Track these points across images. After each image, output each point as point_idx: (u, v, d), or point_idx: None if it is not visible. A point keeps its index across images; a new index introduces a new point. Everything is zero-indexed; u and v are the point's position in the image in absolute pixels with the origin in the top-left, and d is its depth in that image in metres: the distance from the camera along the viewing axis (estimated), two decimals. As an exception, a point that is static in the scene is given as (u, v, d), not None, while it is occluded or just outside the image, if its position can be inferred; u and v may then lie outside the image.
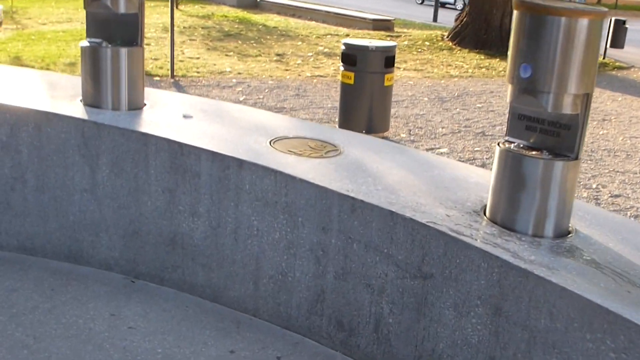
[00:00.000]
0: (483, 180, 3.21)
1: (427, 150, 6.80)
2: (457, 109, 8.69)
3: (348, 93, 7.03)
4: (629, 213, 5.37)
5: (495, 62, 13.15)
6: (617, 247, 2.63)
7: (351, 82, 6.97)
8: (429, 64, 12.30)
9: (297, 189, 2.96)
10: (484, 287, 2.49)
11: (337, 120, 7.27)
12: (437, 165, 3.40)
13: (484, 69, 12.21)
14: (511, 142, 2.80)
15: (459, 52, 14.11)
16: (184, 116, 3.63)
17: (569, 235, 2.69)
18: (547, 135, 2.73)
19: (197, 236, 3.24)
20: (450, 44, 14.89)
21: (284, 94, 8.80)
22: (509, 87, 2.70)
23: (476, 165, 6.32)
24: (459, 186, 3.09)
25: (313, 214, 2.93)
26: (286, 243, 3.04)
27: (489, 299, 2.48)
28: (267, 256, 3.10)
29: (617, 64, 14.34)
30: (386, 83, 7.03)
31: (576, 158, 2.67)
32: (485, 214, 2.79)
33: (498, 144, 2.80)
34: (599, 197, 5.74)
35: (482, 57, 13.62)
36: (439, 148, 6.89)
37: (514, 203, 2.68)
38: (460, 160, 6.50)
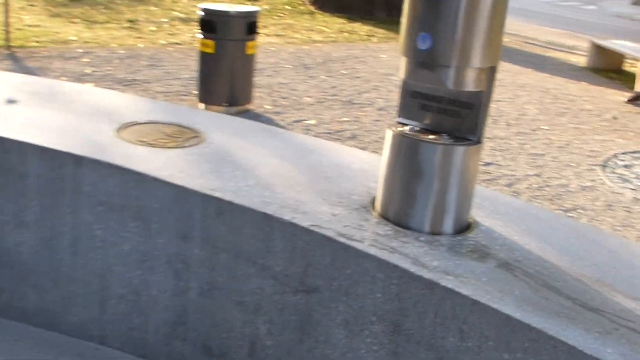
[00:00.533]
0: (368, 166, 2.81)
1: (294, 122, 6.38)
2: (322, 77, 8.32)
3: (207, 63, 6.45)
4: (501, 182, 5.20)
5: (357, 26, 12.91)
6: (522, 240, 2.32)
7: (211, 50, 6.39)
8: (290, 29, 11.85)
9: (149, 190, 2.44)
10: (380, 301, 2.10)
11: (196, 92, 6.68)
12: (314, 149, 2.97)
13: (346, 34, 11.91)
14: (404, 125, 2.40)
15: (320, 16, 13.74)
16: (8, 101, 2.98)
17: (471, 230, 2.35)
18: (445, 115, 2.35)
19: (25, 251, 2.64)
20: (312, 8, 14.50)
21: (137, 64, 8.07)
22: (403, 61, 2.28)
23: (346, 138, 5.97)
24: (342, 175, 2.67)
25: (170, 220, 2.42)
26: (139, 255, 2.51)
27: (387, 314, 2.09)
28: (116, 272, 2.56)
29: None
30: (248, 51, 6.51)
31: (478, 141, 2.30)
32: (374, 208, 2.39)
33: (389, 128, 2.39)
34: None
35: (344, 21, 13.33)
36: (306, 120, 6.48)
37: (408, 196, 2.30)
38: (329, 133, 6.13)
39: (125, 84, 7.04)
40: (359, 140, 5.99)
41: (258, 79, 7.75)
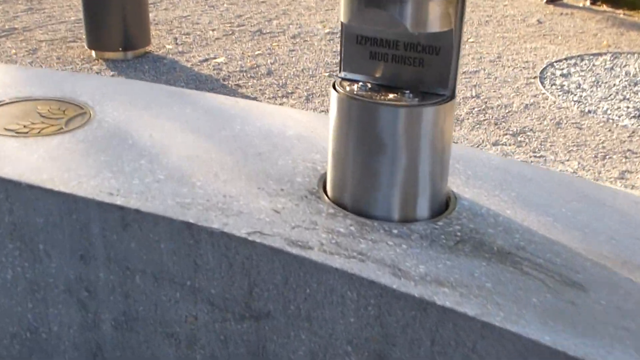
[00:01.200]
0: (305, 129, 2.27)
1: (202, 62, 5.70)
2: (225, 5, 7.58)
3: (92, 5, 5.64)
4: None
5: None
6: (517, 213, 1.86)
7: (94, -13, 5.59)
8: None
9: (26, 200, 1.84)
10: (355, 327, 1.60)
11: (84, 38, 5.88)
12: (235, 113, 2.39)
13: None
14: (351, 82, 1.85)
15: None
16: None
17: (451, 208, 1.86)
18: (405, 65, 1.82)
19: None
20: None
21: (13, 9, 7.12)
22: None
23: (262, 75, 5.36)
24: (276, 147, 2.12)
25: (61, 238, 1.84)
26: (26, 284, 1.93)
27: (366, 343, 1.60)
28: (2, 306, 1.97)
29: None
30: (138, -15, 5.74)
31: (452, 96, 1.79)
32: (326, 192, 1.87)
33: (333, 86, 1.85)
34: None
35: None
36: (214, 58, 5.82)
37: (369, 176, 1.79)
38: (242, 71, 5.51)
39: (1, 35, 6.15)
40: (276, 77, 5.40)
41: (154, 15, 6.97)
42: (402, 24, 1.66)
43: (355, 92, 1.81)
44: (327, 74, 5.41)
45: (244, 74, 5.46)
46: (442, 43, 1.77)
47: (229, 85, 5.25)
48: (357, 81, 1.88)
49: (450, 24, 1.72)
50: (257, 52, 6.00)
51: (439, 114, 1.77)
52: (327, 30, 6.63)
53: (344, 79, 1.90)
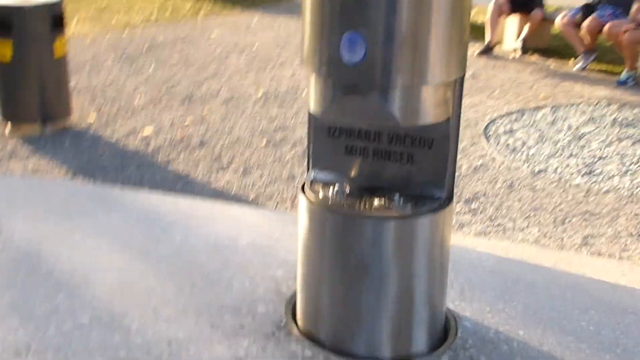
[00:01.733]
0: (260, 237, 1.88)
1: (128, 135, 5.26)
2: (152, 68, 7.17)
3: (7, 74, 5.14)
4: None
5: (179, 1, 11.70)
6: (531, 335, 1.50)
7: (7, 59, 5.09)
8: (106, 11, 10.45)
9: None
10: None
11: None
12: (173, 218, 1.98)
13: (169, 11, 10.69)
14: (323, 184, 1.48)
15: (135, -5, 12.36)
16: None
17: (453, 335, 1.48)
18: (390, 161, 1.46)
19: None
20: (124, -13, 13.03)
21: None
22: (313, 82, 1.33)
23: (195, 146, 4.95)
24: (229, 264, 1.73)
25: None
26: None
27: None
28: None
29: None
30: (58, 52, 5.27)
31: (449, 199, 1.43)
32: (296, 322, 1.47)
33: (302, 189, 1.47)
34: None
35: (163, -2, 12.06)
36: (141, 129, 5.38)
37: (351, 305, 1.40)
38: (172, 145, 5.08)
39: None
40: (209, 148, 5.01)
41: (76, 82, 6.50)
42: (391, 116, 1.31)
43: (331, 201, 1.43)
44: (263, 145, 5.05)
45: (175, 147, 5.05)
46: (435, 134, 1.42)
47: (158, 161, 4.82)
48: (331, 183, 1.50)
49: (448, 112, 1.37)
50: (187, 121, 5.60)
51: (437, 223, 1.42)
52: (260, 94, 6.29)
53: (313, 181, 1.52)
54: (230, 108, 5.92)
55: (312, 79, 1.40)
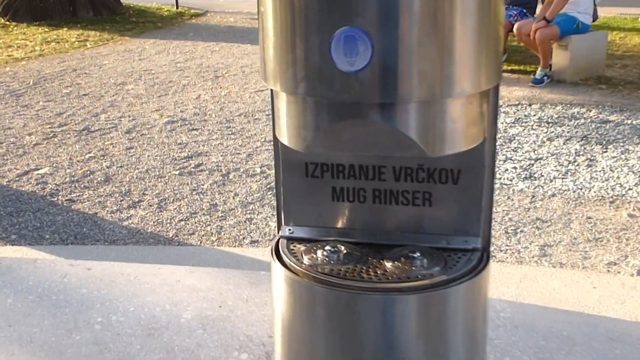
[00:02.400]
0: (209, 305, 1.41)
1: (20, 176, 4.60)
2: (41, 103, 6.48)
3: None
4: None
5: (64, 32, 10.91)
6: None
7: None
8: (-19, 49, 9.58)
9: None
10: None
11: None
12: (88, 291, 1.48)
13: (54, 43, 9.92)
14: (305, 242, 1.03)
15: (16, 28, 11.45)
16: None
17: None
18: (397, 205, 1.02)
19: None
20: (3, 20, 12.10)
21: None
22: (285, 105, 0.87)
23: (99, 182, 4.37)
24: (172, 352, 1.24)
25: None
26: None
27: None
28: None
29: (192, 11, 13.17)
30: None
31: (487, 252, 0.99)
32: None
33: (275, 253, 1.01)
34: (271, 182, 4.28)
35: (47, 29, 11.22)
36: (36, 169, 4.74)
37: None
38: (73, 182, 4.47)
39: None
40: (116, 183, 4.42)
41: (-46, 124, 5.76)
42: (412, 143, 0.87)
43: (321, 269, 0.98)
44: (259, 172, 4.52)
45: (76, 185, 4.43)
46: (462, 164, 0.99)
47: (59, 202, 4.20)
48: (316, 242, 1.05)
49: (482, 134, 0.95)
50: (88, 155, 4.98)
51: (478, 287, 0.99)
52: (165, 120, 5.74)
53: (290, 239, 1.07)
54: (134, 138, 5.34)
55: (283, 100, 0.96)
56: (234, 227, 3.78)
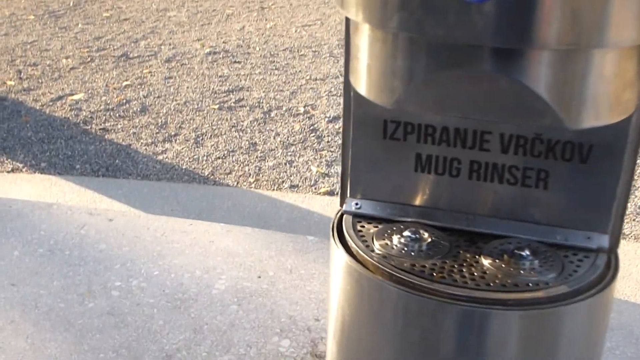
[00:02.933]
0: (247, 284, 1.17)
1: (55, 100, 4.40)
2: (80, 25, 6.23)
3: None
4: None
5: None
6: None
7: None
8: (25, -33, 9.32)
9: None
10: None
11: None
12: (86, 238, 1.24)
13: (97, -36, 9.62)
14: (375, 221, 0.73)
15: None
16: None
17: None
18: (502, 184, 0.71)
19: None
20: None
21: None
22: (368, 42, 0.55)
23: (135, 112, 4.15)
24: (199, 336, 0.99)
25: None
26: None
27: None
28: None
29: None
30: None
31: (616, 253, 0.71)
32: None
33: (337, 233, 0.72)
34: (315, 124, 4.02)
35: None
36: (71, 94, 4.52)
37: None
38: (108, 110, 4.26)
39: None
40: (153, 114, 4.18)
41: (-10, 42, 5.56)
42: (547, 110, 0.59)
43: (396, 263, 0.72)
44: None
45: (111, 114, 4.21)
46: (597, 138, 0.71)
47: (93, 131, 4.00)
48: (390, 222, 0.79)
49: (635, 103, 0.66)
50: (125, 83, 4.75)
51: (599, 306, 0.71)
52: (207, 50, 5.46)
53: (357, 215, 0.80)
54: (174, 68, 5.09)
55: (365, 36, 0.70)
56: (274, 169, 3.54)
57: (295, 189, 3.35)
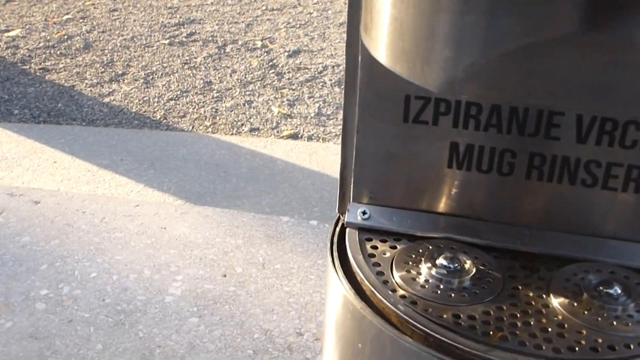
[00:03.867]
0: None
1: (-11, 38, 3.95)
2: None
3: None
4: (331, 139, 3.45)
5: None
6: None
7: None
8: None
9: None
10: None
11: None
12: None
13: None
14: (388, 239, 0.44)
15: None
16: None
17: None
18: (574, 184, 0.40)
19: None
20: None
21: None
22: None
23: (77, 49, 3.75)
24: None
25: None
26: None
27: None
28: None
29: None
30: None
31: None
32: None
33: (336, 256, 0.42)
34: (274, 59, 3.68)
35: None
36: (6, 31, 4.09)
37: None
38: (48, 47, 3.84)
39: None
40: (97, 51, 3.78)
41: None
42: None
43: (436, 315, 0.45)
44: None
45: (52, 51, 3.80)
46: None
47: (32, 71, 3.60)
48: (411, 238, 0.51)
49: None
50: (65, 17, 4.31)
51: None
52: (154, -22, 5.02)
53: (365, 230, 0.51)
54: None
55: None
56: (231, 111, 3.22)
57: (256, 133, 3.05)
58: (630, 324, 0.58)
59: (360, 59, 0.57)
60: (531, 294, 0.60)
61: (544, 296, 0.60)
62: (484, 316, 0.57)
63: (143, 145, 2.86)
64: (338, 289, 0.57)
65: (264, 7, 4.35)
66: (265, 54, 3.72)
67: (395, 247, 0.64)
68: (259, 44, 3.85)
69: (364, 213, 0.65)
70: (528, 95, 0.51)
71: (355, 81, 0.58)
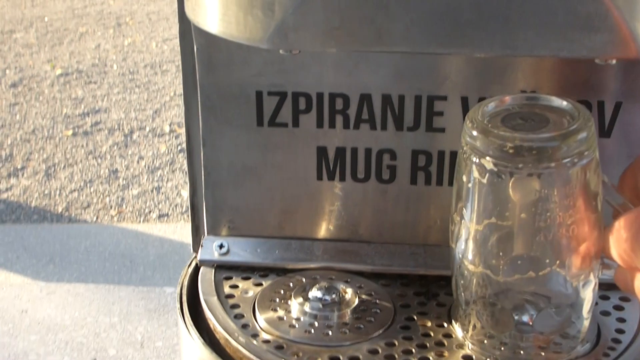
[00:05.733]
0: None
1: None
2: None
3: None
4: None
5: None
6: None
7: None
8: None
9: None
10: None
11: None
12: None
13: None
14: (249, 271, 0.35)
15: None
16: None
17: None
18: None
19: None
20: None
21: None
22: None
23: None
24: None
25: None
26: None
27: None
28: None
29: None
30: None
31: None
32: None
33: (185, 306, 0.28)
34: (183, 143, 3.56)
35: None
36: None
37: None
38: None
39: None
40: (-5, 146, 3.60)
41: None
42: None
43: None
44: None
45: (-57, 149, 3.60)
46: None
47: None
48: (279, 272, 0.38)
49: None
50: (-39, 114, 4.13)
51: None
52: (58, 72, 4.88)
53: (223, 267, 0.38)
54: (20, 93, 4.48)
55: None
56: (139, 198, 3.07)
57: (165, 219, 2.90)
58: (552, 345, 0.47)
59: (196, 48, 0.47)
60: (429, 324, 0.49)
61: (445, 325, 0.49)
62: (370, 356, 0.46)
63: (42, 240, 2.66)
64: (188, 343, 0.45)
65: (172, 93, 4.27)
66: (174, 138, 3.61)
67: (260, 284, 0.52)
68: (167, 129, 3.74)
69: (220, 247, 0.53)
70: (408, 82, 0.41)
71: (195, 81, 0.48)
